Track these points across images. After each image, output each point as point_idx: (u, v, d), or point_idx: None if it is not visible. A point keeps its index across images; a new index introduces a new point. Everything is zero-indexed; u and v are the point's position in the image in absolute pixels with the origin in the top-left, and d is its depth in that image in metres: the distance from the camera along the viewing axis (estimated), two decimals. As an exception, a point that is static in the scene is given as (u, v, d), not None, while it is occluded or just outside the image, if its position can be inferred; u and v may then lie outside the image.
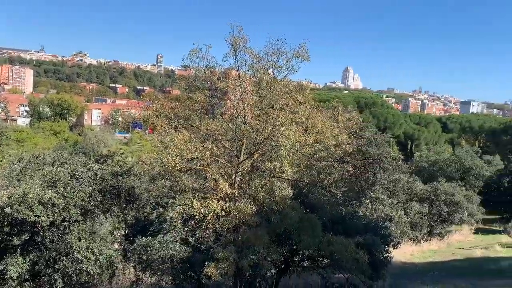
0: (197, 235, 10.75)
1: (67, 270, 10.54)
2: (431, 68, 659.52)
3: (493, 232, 27.92)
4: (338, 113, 14.12)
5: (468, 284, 14.15)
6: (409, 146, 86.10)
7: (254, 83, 12.57)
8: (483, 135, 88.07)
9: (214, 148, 11.62)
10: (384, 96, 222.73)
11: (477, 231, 28.66)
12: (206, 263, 10.01)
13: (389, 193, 26.55)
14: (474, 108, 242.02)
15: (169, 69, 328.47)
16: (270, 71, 12.38)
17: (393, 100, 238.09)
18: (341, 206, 15.58)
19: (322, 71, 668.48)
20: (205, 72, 12.25)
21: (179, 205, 10.80)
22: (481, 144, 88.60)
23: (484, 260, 17.91)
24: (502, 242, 22.89)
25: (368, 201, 24.21)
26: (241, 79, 12.09)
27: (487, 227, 31.41)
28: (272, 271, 13.28)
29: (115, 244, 14.00)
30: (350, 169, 30.57)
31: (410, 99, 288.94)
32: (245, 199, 11.18)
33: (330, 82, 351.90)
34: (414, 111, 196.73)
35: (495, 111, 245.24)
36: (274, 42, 11.76)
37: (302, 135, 11.89)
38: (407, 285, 14.50)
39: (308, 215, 11.67)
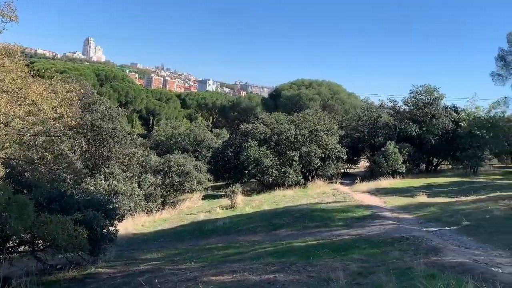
0: None
1: None
2: (173, 46, 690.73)
3: (219, 197, 31.35)
4: (56, 84, 13.07)
5: (188, 245, 15.59)
6: (151, 121, 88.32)
7: None
8: (216, 111, 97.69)
9: None
10: (128, 70, 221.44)
11: (205, 197, 31.74)
12: None
13: (124, 167, 26.68)
14: (210, 87, 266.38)
15: None
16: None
17: (137, 75, 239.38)
18: (64, 183, 14.66)
19: (62, 40, 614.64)
20: None
21: None
22: (214, 119, 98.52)
23: (206, 222, 20.02)
24: (222, 205, 26.11)
25: (102, 176, 23.76)
26: None
27: (215, 193, 35.15)
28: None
29: None
30: (83, 144, 29.11)
31: (153, 75, 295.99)
32: None
33: (70, 52, 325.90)
34: (157, 87, 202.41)
35: (227, 90, 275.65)
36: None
37: (10, 107, 10.55)
38: (133, 254, 14.91)
39: (18, 195, 10.49)
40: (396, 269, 8.45)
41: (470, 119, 36.77)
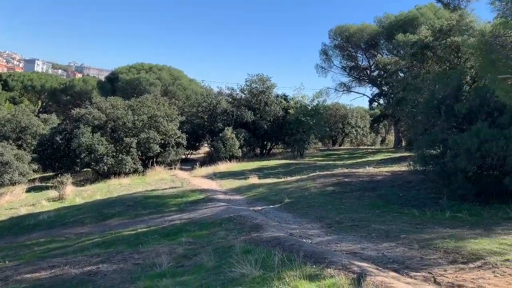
0: None
1: None
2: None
3: (46, 188, 28.63)
4: None
5: (4, 243, 13.93)
6: (-37, 105, 75.94)
7: None
8: (45, 94, 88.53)
9: None
10: None
11: (31, 190, 28.72)
12: None
13: None
14: (39, 67, 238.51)
15: None
16: None
17: None
18: None
19: None
20: None
21: None
22: (43, 104, 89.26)
23: (27, 216, 18.09)
24: (50, 197, 23.95)
25: None
26: None
27: (43, 184, 31.98)
28: None
29: None
30: None
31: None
32: None
33: None
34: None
35: (60, 71, 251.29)
36: None
37: None
38: None
39: None
40: (220, 248, 8.87)
41: (298, 107, 40.34)
